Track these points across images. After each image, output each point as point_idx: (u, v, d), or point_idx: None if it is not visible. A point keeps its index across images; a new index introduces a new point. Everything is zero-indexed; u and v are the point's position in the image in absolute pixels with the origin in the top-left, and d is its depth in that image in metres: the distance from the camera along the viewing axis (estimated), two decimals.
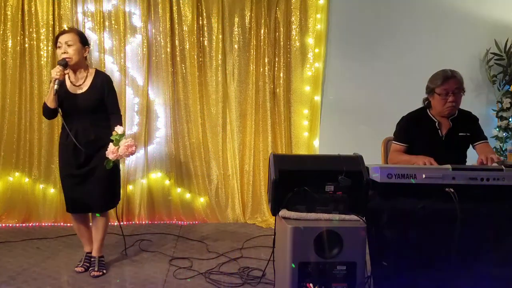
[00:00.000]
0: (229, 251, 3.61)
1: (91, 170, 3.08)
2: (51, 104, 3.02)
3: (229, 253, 3.56)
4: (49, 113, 3.09)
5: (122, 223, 4.30)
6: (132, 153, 2.98)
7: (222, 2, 4.35)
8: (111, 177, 3.13)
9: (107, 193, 3.14)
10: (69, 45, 3.02)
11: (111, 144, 2.95)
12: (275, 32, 4.41)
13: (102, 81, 3.12)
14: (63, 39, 3.04)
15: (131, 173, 4.36)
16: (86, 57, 3.14)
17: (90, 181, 3.08)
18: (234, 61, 4.43)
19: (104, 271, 3.17)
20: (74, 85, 3.11)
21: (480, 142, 3.00)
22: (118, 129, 2.98)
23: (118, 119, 3.15)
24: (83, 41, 3.10)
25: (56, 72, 2.97)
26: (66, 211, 3.24)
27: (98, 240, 3.21)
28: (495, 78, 4.52)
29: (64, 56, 3.02)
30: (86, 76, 3.12)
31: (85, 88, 3.09)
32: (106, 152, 2.96)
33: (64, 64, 3.01)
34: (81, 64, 3.11)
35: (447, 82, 2.88)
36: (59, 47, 3.05)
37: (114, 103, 3.16)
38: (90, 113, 3.08)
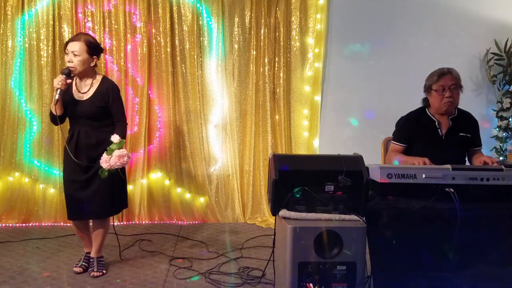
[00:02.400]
0: (229, 251, 3.61)
1: (93, 176, 3.04)
2: (55, 111, 3.02)
3: (229, 253, 3.56)
4: (55, 119, 3.07)
5: (121, 223, 4.31)
6: (123, 164, 2.91)
7: (222, 2, 4.35)
8: (114, 184, 3.09)
9: (107, 200, 3.10)
10: (75, 55, 2.99)
11: (105, 153, 2.92)
12: (275, 32, 4.41)
13: (107, 90, 3.08)
14: (70, 47, 3.00)
15: (131, 173, 4.36)
16: (94, 66, 3.10)
17: (92, 186, 3.05)
18: (234, 61, 4.43)
19: (104, 271, 3.16)
20: (79, 91, 3.10)
21: (478, 148, 3.05)
22: (114, 138, 2.93)
23: (121, 127, 3.10)
24: (92, 51, 3.03)
25: (58, 81, 2.96)
26: (68, 219, 3.22)
27: (97, 244, 3.20)
28: (495, 78, 4.51)
29: (69, 65, 3.00)
30: (92, 83, 3.10)
31: (88, 95, 3.08)
32: (100, 161, 2.92)
33: (67, 73, 2.98)
34: (87, 72, 3.08)
35: (443, 78, 2.92)
36: (66, 53, 3.03)
37: (119, 112, 3.13)
38: (92, 120, 3.06)
